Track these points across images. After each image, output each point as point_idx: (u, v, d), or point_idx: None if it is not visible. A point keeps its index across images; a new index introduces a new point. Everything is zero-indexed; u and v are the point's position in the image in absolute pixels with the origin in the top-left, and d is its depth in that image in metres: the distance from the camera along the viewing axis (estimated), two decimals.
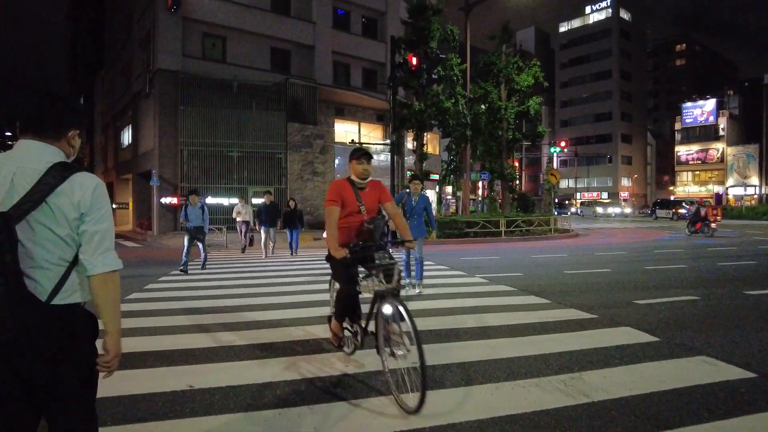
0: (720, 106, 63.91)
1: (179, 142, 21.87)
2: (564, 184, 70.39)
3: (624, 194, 72.60)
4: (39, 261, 1.58)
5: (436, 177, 27.23)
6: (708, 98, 65.44)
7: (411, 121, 18.74)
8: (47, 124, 1.69)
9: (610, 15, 76.11)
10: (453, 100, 18.24)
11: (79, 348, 1.65)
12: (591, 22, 78.64)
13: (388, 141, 27.08)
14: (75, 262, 1.64)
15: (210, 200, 22.16)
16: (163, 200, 21.56)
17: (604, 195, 73.90)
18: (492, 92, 21.62)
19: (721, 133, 63.35)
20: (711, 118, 63.87)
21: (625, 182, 75.32)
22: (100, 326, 1.72)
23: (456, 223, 18.66)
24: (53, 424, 1.65)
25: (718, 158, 63.74)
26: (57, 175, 1.61)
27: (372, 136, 27.92)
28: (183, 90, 21.97)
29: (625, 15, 76.94)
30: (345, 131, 27.32)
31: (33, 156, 1.63)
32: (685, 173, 68.30)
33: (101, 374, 1.72)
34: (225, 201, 21.75)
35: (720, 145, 63.47)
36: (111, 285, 1.67)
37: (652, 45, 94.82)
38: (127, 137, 29.69)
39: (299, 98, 23.97)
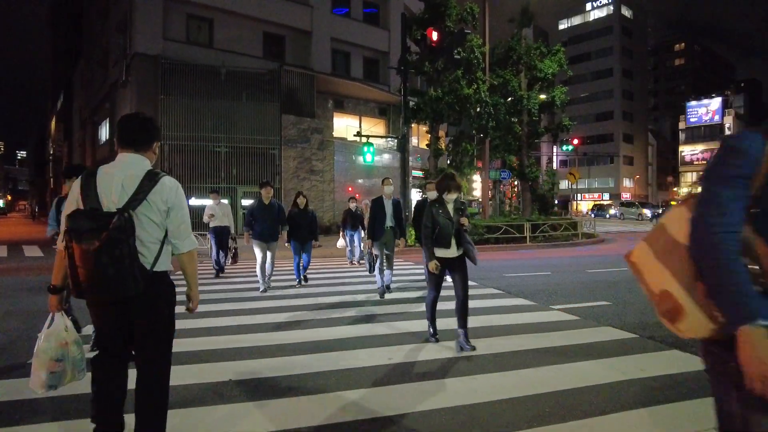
0: (725, 105, 62.18)
1: (160, 136, 19.25)
2: (564, 185, 68.24)
3: (626, 195, 70.76)
4: (144, 241, 2.22)
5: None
6: (714, 97, 63.73)
7: (425, 111, 16.31)
8: (141, 140, 2.38)
9: (611, 12, 74.26)
10: (474, 86, 15.83)
11: (165, 301, 2.34)
12: (591, 19, 76.78)
13: (394, 135, 24.75)
14: (164, 241, 2.30)
15: (193, 201, 19.57)
16: None
17: (606, 196, 72.00)
18: (512, 81, 19.25)
19: (727, 132, 61.61)
20: (716, 117, 62.18)
21: (626, 183, 73.45)
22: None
23: (475, 228, 16.24)
24: (143, 357, 2.33)
25: None
26: (151, 179, 2.27)
27: (374, 131, 25.46)
28: (164, 77, 19.38)
29: (626, 12, 75.13)
30: (345, 126, 24.87)
31: (133, 165, 2.31)
32: (689, 174, 66.53)
33: (190, 310, 2.51)
34: (211, 203, 19.16)
35: None
36: (192, 258, 2.40)
37: (652, 44, 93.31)
38: (104, 132, 27.02)
39: (295, 88, 21.46)
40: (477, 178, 38.24)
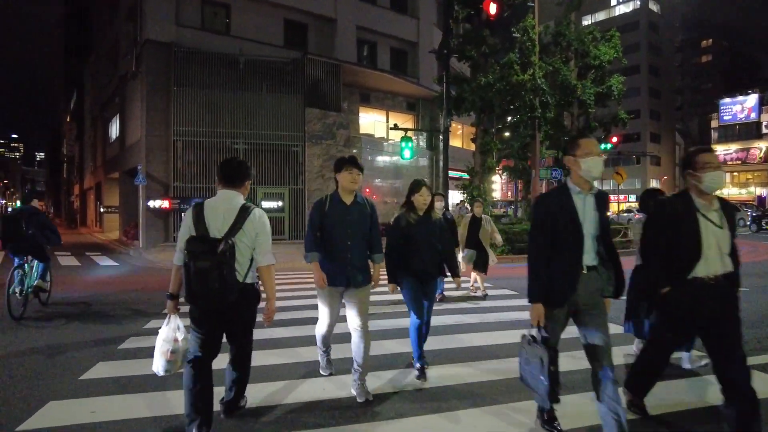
0: (762, 102, 58.96)
1: (171, 131, 17.53)
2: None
3: None
4: (239, 260, 2.87)
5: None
6: (749, 93, 60.49)
7: (470, 101, 14.31)
8: (236, 179, 3.08)
9: (638, 7, 71.48)
10: (530, 72, 13.79)
11: (252, 305, 3.08)
12: (617, 14, 74.01)
13: (430, 129, 22.84)
14: (252, 260, 2.98)
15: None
16: (151, 204, 17.22)
17: (632, 198, 69.23)
18: (562, 69, 17.17)
19: (765, 130, 58.40)
20: (753, 115, 58.93)
21: (653, 184, 70.58)
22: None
23: (523, 234, 14.20)
24: (235, 343, 3.17)
25: (761, 158, 58.78)
26: (246, 211, 2.94)
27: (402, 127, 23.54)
28: (177, 67, 17.63)
29: (653, 6, 72.29)
30: (372, 121, 22.99)
31: (230, 200, 2.98)
32: None
33: (266, 323, 3.07)
34: None
35: (763, 144, 58.51)
36: (270, 272, 3.04)
37: (678, 41, 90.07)
38: (114, 129, 25.43)
39: (319, 79, 19.58)
40: (496, 179, 36.11)
